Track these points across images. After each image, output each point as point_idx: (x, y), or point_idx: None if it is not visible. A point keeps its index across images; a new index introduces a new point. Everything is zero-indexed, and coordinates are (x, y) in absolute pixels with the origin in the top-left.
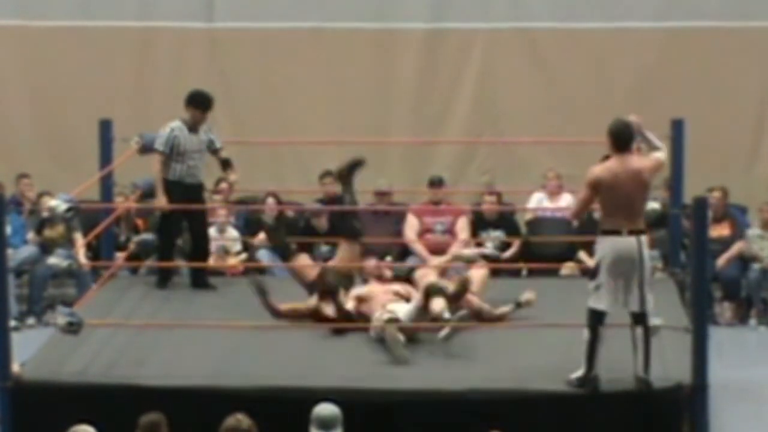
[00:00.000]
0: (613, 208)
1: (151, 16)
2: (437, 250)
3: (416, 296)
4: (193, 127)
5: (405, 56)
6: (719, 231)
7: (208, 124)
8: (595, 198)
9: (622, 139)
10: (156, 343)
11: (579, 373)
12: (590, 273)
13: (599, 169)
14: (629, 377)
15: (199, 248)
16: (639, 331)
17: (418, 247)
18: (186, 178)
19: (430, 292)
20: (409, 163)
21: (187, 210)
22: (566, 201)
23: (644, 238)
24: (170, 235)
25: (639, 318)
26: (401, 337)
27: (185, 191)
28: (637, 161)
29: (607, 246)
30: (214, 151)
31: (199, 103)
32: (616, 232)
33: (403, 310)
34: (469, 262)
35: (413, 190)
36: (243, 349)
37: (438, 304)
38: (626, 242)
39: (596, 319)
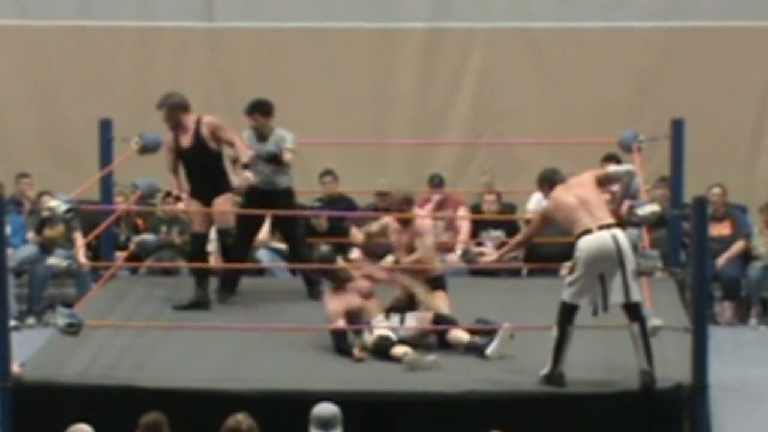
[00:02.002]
0: (574, 214)
1: (151, 16)
2: (440, 249)
3: (416, 318)
4: (260, 136)
5: (405, 56)
6: (719, 230)
7: (278, 136)
8: (542, 226)
9: (553, 179)
10: (156, 344)
11: (546, 369)
12: (569, 270)
13: (546, 204)
14: (629, 377)
15: (296, 254)
16: (635, 326)
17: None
18: (261, 184)
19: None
20: (409, 163)
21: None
22: None
23: (619, 231)
24: (244, 242)
25: (631, 311)
26: (417, 356)
27: (262, 197)
28: (576, 177)
29: (583, 245)
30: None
31: (247, 109)
32: (587, 232)
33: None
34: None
35: (414, 191)
36: (244, 351)
37: (462, 336)
38: (600, 238)
39: (566, 314)
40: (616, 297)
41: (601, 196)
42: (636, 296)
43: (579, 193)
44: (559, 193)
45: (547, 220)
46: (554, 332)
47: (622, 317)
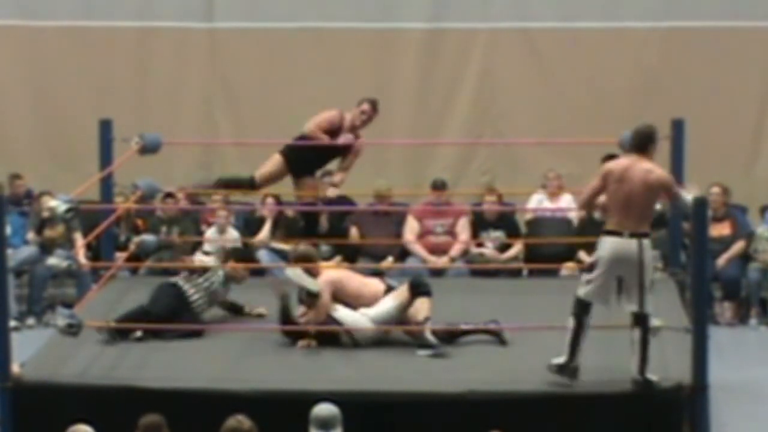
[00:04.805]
0: (618, 206)
1: (151, 16)
2: (437, 250)
3: (398, 293)
4: None
5: (405, 56)
6: (720, 230)
7: None
8: (603, 189)
9: (641, 139)
10: (156, 344)
11: (561, 359)
12: (588, 267)
13: (612, 162)
14: (629, 377)
15: None
16: (636, 332)
17: (417, 248)
18: None
19: (418, 289)
20: (409, 163)
21: None
22: (566, 201)
23: (647, 242)
24: None
25: (638, 319)
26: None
27: None
28: (649, 165)
29: (607, 245)
30: None
31: None
32: (617, 233)
33: (383, 307)
34: None
35: (414, 193)
36: (244, 351)
37: (424, 308)
38: (627, 244)
39: (581, 308)
40: (631, 305)
41: (651, 201)
42: (648, 308)
43: (635, 191)
44: (627, 168)
45: (608, 178)
46: (570, 324)
47: (623, 318)
